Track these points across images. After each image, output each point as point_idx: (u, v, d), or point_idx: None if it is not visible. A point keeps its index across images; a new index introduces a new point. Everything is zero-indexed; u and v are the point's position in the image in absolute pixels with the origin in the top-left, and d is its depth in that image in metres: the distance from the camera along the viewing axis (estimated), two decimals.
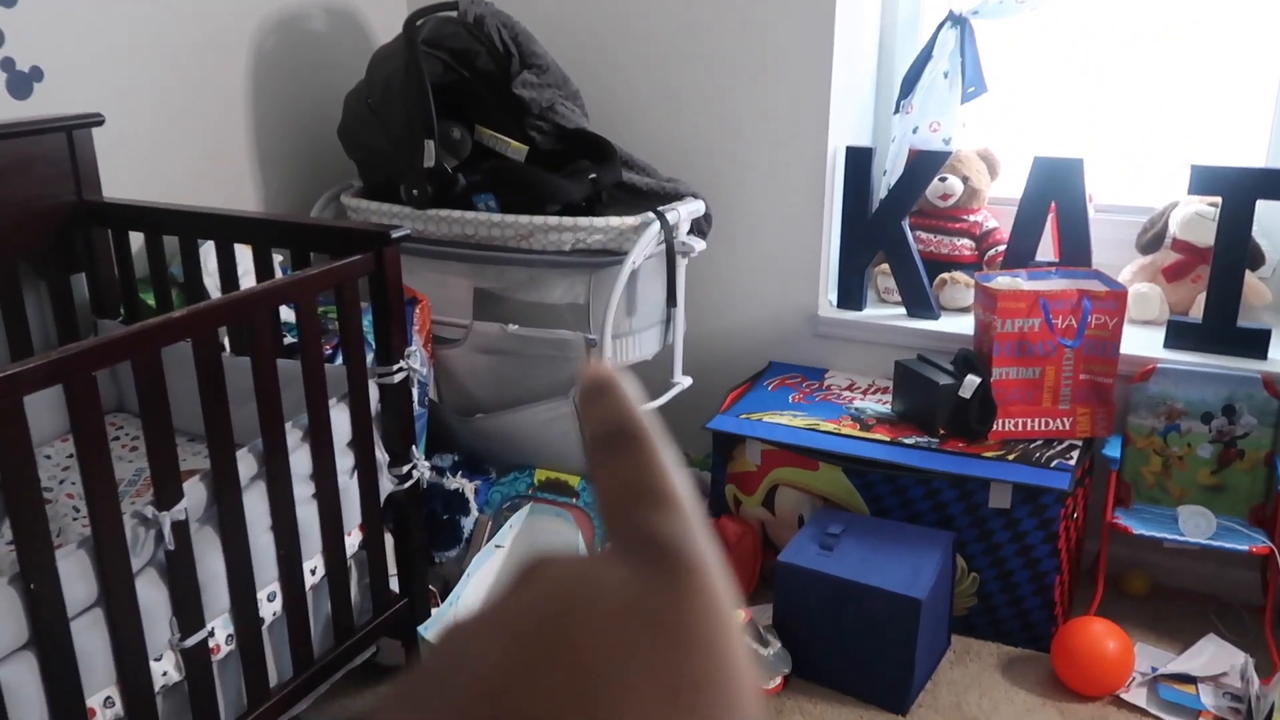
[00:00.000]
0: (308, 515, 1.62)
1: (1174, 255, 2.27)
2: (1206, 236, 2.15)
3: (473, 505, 2.03)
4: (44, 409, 1.80)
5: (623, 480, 0.28)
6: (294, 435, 1.58)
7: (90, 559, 1.30)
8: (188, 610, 1.43)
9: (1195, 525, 2.00)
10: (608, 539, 0.27)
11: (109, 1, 1.98)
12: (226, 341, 1.93)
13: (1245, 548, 1.93)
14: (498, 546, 2.00)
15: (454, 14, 2.16)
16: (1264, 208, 2.12)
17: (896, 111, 2.43)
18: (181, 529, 1.39)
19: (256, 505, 1.53)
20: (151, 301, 1.99)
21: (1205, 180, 2.05)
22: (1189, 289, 2.25)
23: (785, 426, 2.18)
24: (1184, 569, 2.19)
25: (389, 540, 1.83)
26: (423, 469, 1.84)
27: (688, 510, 0.27)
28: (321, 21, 2.46)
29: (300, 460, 1.59)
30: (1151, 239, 2.30)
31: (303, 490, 1.60)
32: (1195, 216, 2.20)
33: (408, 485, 1.81)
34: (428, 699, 0.24)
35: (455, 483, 2.02)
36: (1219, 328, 2.09)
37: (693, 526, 0.27)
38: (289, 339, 1.88)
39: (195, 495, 1.43)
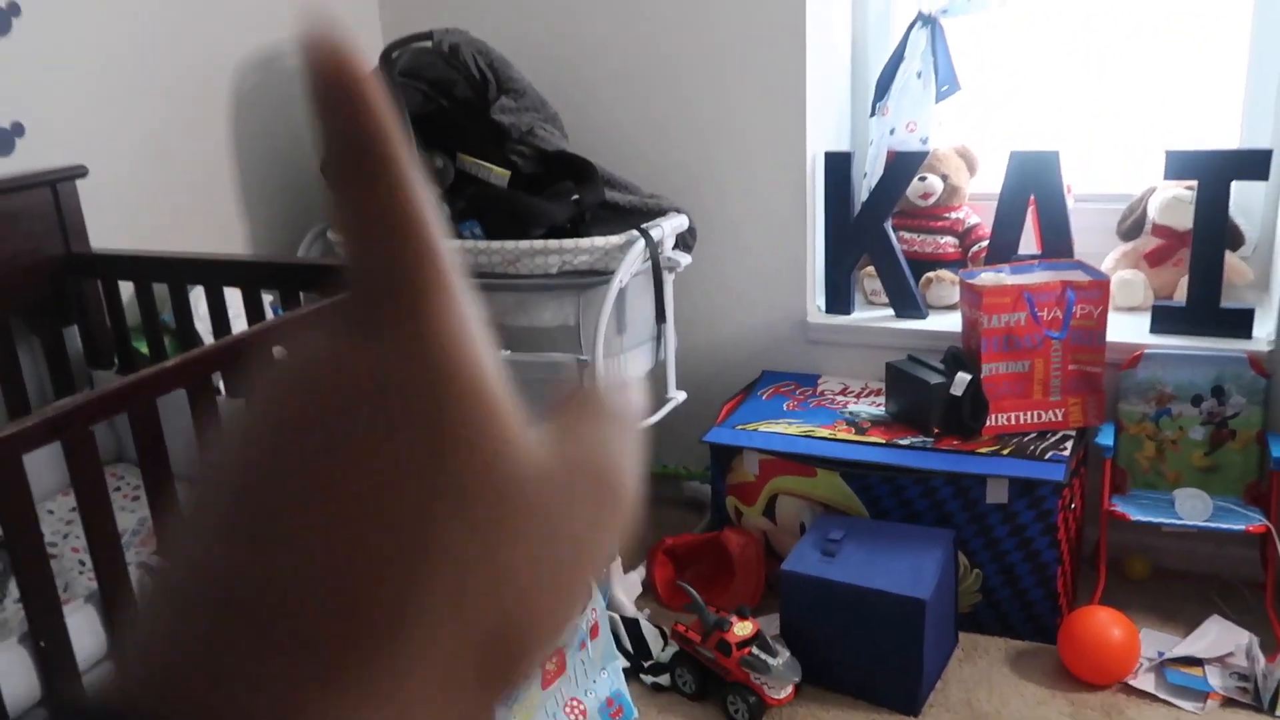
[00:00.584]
0: None
1: (1155, 240, 2.29)
2: (1185, 220, 2.17)
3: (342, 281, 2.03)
4: (44, 464, 1.80)
5: (362, 211, 0.23)
6: None
7: (98, 613, 1.31)
8: None
9: (1192, 508, 2.01)
10: (348, 284, 0.24)
11: (87, 54, 1.99)
12: (221, 384, 1.94)
13: (1242, 527, 1.95)
14: None
15: (429, 44, 2.18)
16: (1240, 188, 2.14)
17: (873, 114, 2.45)
18: None
19: None
20: (145, 350, 2.00)
21: (1180, 165, 2.08)
22: (1172, 273, 2.27)
23: (781, 435, 2.19)
24: (1184, 551, 2.21)
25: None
26: None
27: (433, 247, 0.23)
28: (299, 58, 2.48)
29: None
30: (1132, 225, 2.32)
31: None
32: (1173, 201, 2.22)
33: None
34: (191, 532, 0.23)
35: None
36: (1203, 310, 2.11)
37: (437, 268, 0.23)
38: None
39: None
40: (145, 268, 1.94)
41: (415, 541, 0.22)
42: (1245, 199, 2.25)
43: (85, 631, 1.29)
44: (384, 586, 0.21)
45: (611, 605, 2.11)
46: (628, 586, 2.23)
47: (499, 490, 0.23)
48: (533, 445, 0.24)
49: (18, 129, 1.89)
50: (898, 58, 2.38)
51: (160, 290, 1.95)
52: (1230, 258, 2.16)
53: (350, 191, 0.23)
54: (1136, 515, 2.01)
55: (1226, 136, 2.28)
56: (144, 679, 0.21)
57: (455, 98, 2.27)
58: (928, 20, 2.33)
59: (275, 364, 0.24)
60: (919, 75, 2.37)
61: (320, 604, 0.21)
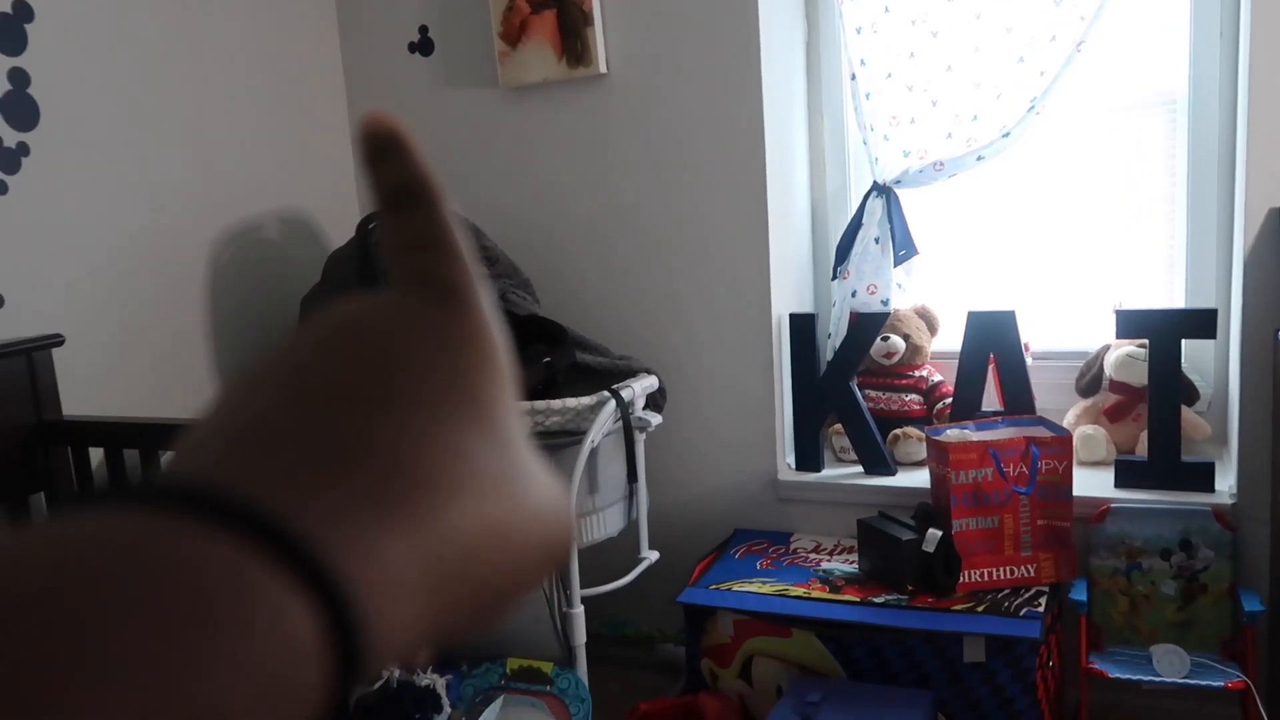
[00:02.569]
0: None
1: (1113, 396, 2.35)
2: (1140, 376, 2.23)
3: (445, 702, 1.99)
4: None
5: (410, 235, 0.29)
6: None
7: None
8: None
9: (1170, 664, 2.00)
10: (389, 285, 0.29)
11: (67, 227, 2.05)
12: None
13: (1221, 683, 1.93)
14: None
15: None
16: (1192, 345, 2.21)
17: (834, 278, 2.54)
18: None
19: None
20: None
21: (1130, 324, 2.15)
22: (1132, 428, 2.32)
23: (755, 594, 2.18)
24: (1166, 710, 2.18)
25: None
26: (392, 667, 1.81)
27: (466, 259, 0.30)
28: (276, 230, 2.56)
29: None
30: (1089, 382, 2.38)
31: None
32: (1127, 358, 2.29)
33: (377, 686, 1.77)
34: (221, 421, 0.26)
35: (426, 679, 1.98)
36: (1164, 464, 2.15)
37: (469, 272, 0.30)
38: None
39: None
40: (116, 433, 1.94)
41: (455, 444, 0.26)
42: (1198, 355, 2.33)
43: None
44: (427, 455, 0.26)
45: None
46: None
47: (503, 433, 0.28)
48: (518, 416, 0.29)
49: None
50: (856, 224, 2.49)
51: (131, 457, 1.95)
52: (1187, 413, 2.22)
53: (405, 214, 0.29)
54: (1115, 673, 1.99)
55: (1174, 292, 2.37)
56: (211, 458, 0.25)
57: None
58: (883, 190, 2.45)
59: (322, 313, 0.29)
60: (877, 240, 2.47)
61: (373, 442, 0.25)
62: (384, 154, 0.29)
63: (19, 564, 0.20)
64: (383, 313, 0.28)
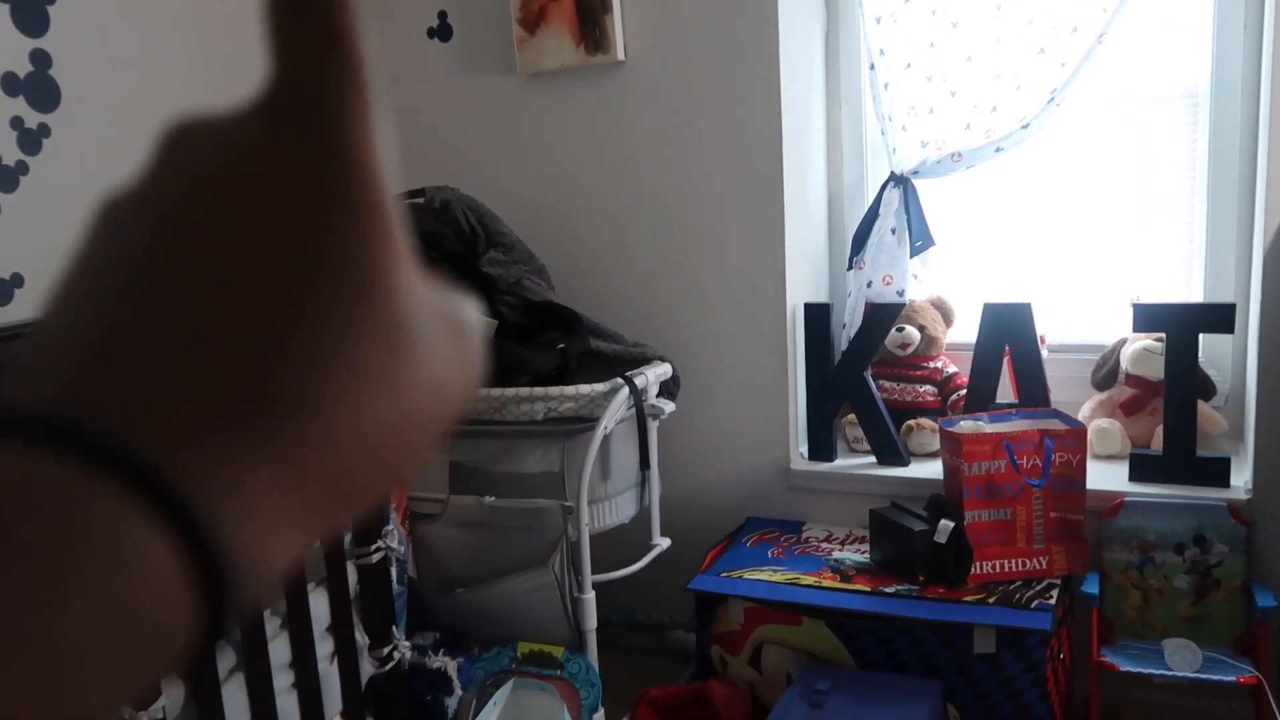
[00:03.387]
0: (288, 706, 1.60)
1: (1129, 390, 2.33)
2: (1157, 370, 2.22)
3: (456, 684, 2.00)
4: None
5: (286, 19, 0.24)
6: (272, 624, 1.58)
7: None
8: None
9: (1181, 658, 1.99)
10: (267, 84, 0.25)
11: (88, 208, 2.06)
12: None
13: (1233, 678, 1.93)
14: None
15: (421, 200, 2.27)
16: (1209, 339, 2.20)
17: (850, 268, 2.53)
18: None
19: (236, 699, 1.51)
20: None
21: (1147, 318, 2.14)
22: (1147, 422, 2.31)
23: (766, 583, 2.18)
24: (1177, 704, 2.17)
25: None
26: (404, 649, 1.82)
27: (358, 69, 0.24)
28: None
29: (279, 649, 1.58)
30: (1105, 375, 2.37)
31: (282, 680, 1.59)
32: (1144, 352, 2.28)
33: (389, 667, 1.79)
34: (79, 287, 0.24)
35: (438, 661, 1.99)
36: (1179, 459, 2.14)
37: (356, 83, 0.24)
38: None
39: (173, 693, 1.41)
40: None
41: (327, 340, 0.23)
42: (1215, 350, 2.31)
43: None
44: (293, 361, 0.22)
45: None
46: None
47: (391, 311, 0.24)
48: (414, 278, 0.25)
49: (17, 280, 1.94)
50: (872, 215, 2.48)
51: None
52: (1203, 407, 2.21)
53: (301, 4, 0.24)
54: (1126, 666, 1.99)
55: (1193, 287, 2.36)
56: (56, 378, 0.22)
57: (445, 251, 2.34)
58: (900, 180, 2.44)
59: (182, 143, 0.25)
60: (893, 231, 2.46)
61: (224, 329, 0.22)
62: None
63: None
64: (245, 162, 0.23)
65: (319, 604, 1.66)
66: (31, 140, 1.96)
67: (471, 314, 0.28)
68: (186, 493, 0.21)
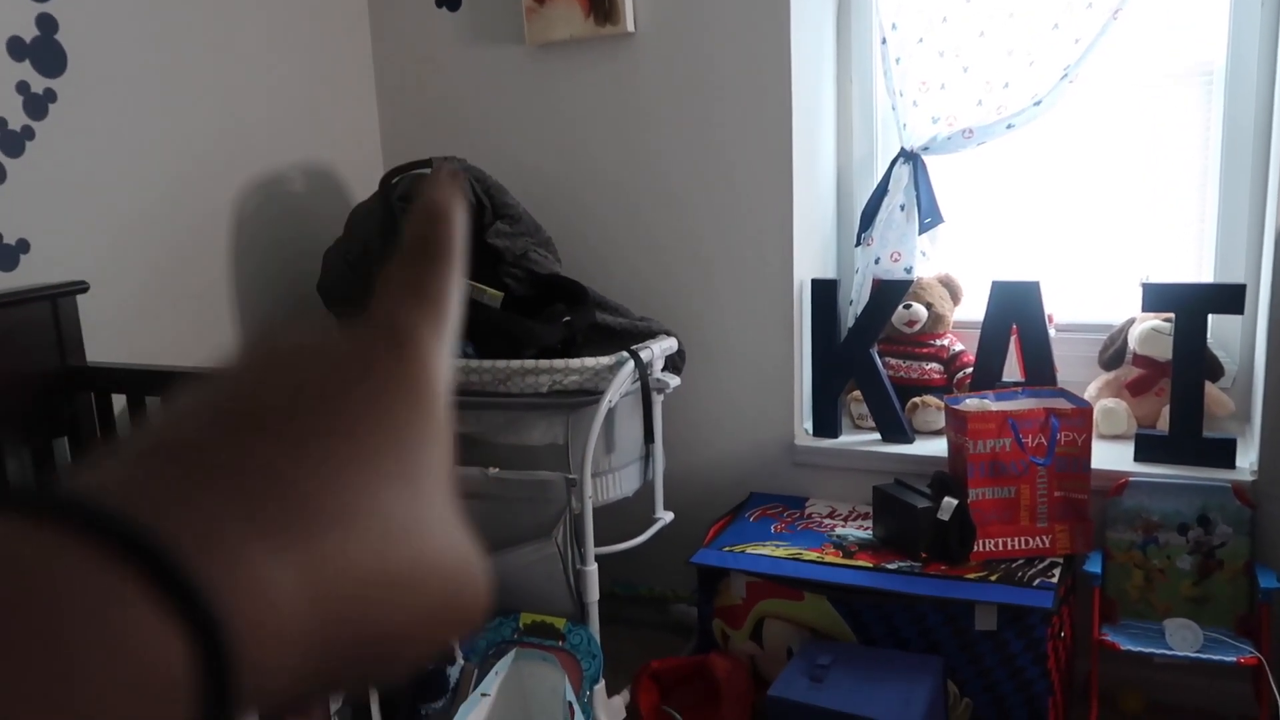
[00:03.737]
0: None
1: (1136, 370, 2.33)
2: (1165, 351, 2.21)
3: (458, 653, 2.01)
4: None
5: (405, 280, 0.30)
6: None
7: None
8: None
9: (1182, 638, 1.99)
10: (365, 318, 0.30)
11: (94, 174, 2.06)
12: None
13: (1234, 659, 1.93)
14: (484, 695, 1.97)
15: (428, 171, 2.25)
16: (1218, 321, 2.19)
17: (858, 244, 2.52)
18: None
19: None
20: None
21: (1157, 297, 2.13)
22: (1154, 402, 2.30)
23: (769, 558, 2.18)
24: (1177, 684, 2.18)
25: (374, 693, 1.81)
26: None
27: (443, 318, 0.30)
28: (301, 183, 2.56)
29: None
30: (1113, 355, 2.36)
31: None
32: (1152, 332, 2.27)
33: None
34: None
35: None
36: (1185, 440, 2.13)
37: (438, 328, 0.29)
38: None
39: None
40: (139, 380, 1.96)
41: (363, 481, 0.25)
42: (1224, 331, 2.30)
43: None
44: (330, 487, 0.24)
45: None
46: (612, 711, 2.18)
47: (427, 495, 0.27)
48: (447, 479, 0.28)
49: (23, 245, 1.93)
50: (881, 191, 2.46)
51: (154, 404, 1.97)
52: (1211, 389, 2.20)
53: (413, 262, 0.30)
54: (1127, 645, 1.99)
55: (1203, 268, 2.34)
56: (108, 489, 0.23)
57: None
58: (910, 156, 2.42)
59: (274, 330, 0.28)
60: (902, 208, 2.45)
61: (277, 464, 0.24)
62: (429, 215, 0.31)
63: None
64: (324, 344, 0.28)
65: None
66: (38, 105, 1.95)
67: (482, 564, 0.29)
68: (194, 574, 0.21)
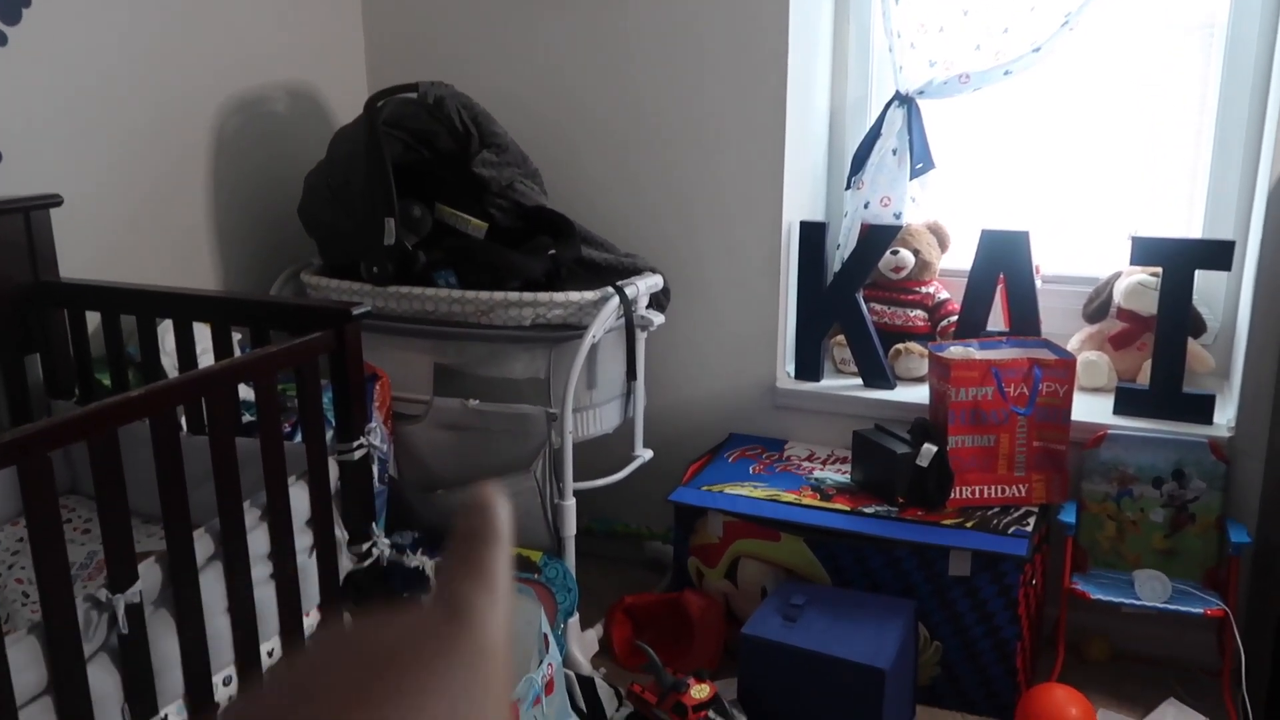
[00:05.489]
0: (265, 596, 1.60)
1: (1119, 324, 2.33)
2: (1150, 305, 2.21)
3: (433, 583, 2.01)
4: None
5: (460, 562, 0.35)
6: (252, 515, 1.57)
7: (41, 645, 1.27)
8: (141, 696, 1.39)
9: (1151, 589, 2.02)
10: (436, 597, 0.35)
11: (69, 84, 2.00)
12: (184, 421, 1.91)
13: (1200, 610, 1.96)
14: None
15: (414, 95, 2.20)
16: (1204, 277, 2.19)
17: (848, 188, 2.50)
18: (135, 612, 1.36)
19: (213, 587, 1.50)
20: (107, 381, 1.97)
21: (1146, 251, 2.12)
22: (1135, 356, 2.31)
23: (746, 498, 2.19)
24: (1143, 633, 2.21)
25: (348, 621, 1.80)
26: (383, 546, 1.82)
27: (499, 594, 0.35)
28: (283, 103, 2.50)
29: (258, 540, 1.58)
30: (1097, 308, 2.36)
31: (261, 571, 1.58)
32: (1138, 286, 2.27)
33: (368, 563, 1.79)
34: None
35: (416, 560, 1.99)
36: (1165, 394, 2.14)
37: (495, 603, 0.34)
38: (248, 417, 1.86)
39: (150, 577, 1.40)
40: (114, 298, 1.92)
41: (424, 692, 0.30)
42: (1209, 288, 2.30)
43: (25, 664, 1.24)
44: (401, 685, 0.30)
45: (568, 663, 2.08)
46: (584, 644, 2.19)
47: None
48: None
49: None
50: (874, 134, 2.43)
51: (128, 322, 1.93)
52: (1193, 345, 2.21)
53: (466, 547, 0.35)
54: (1096, 594, 2.01)
55: (1192, 224, 2.34)
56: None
57: (437, 149, 2.29)
58: (905, 100, 2.39)
59: (369, 618, 0.34)
60: (894, 152, 2.42)
61: None
62: (479, 512, 0.36)
63: None
64: (400, 623, 0.33)
65: (299, 497, 1.65)
66: (11, 10, 1.88)
67: None
68: None
